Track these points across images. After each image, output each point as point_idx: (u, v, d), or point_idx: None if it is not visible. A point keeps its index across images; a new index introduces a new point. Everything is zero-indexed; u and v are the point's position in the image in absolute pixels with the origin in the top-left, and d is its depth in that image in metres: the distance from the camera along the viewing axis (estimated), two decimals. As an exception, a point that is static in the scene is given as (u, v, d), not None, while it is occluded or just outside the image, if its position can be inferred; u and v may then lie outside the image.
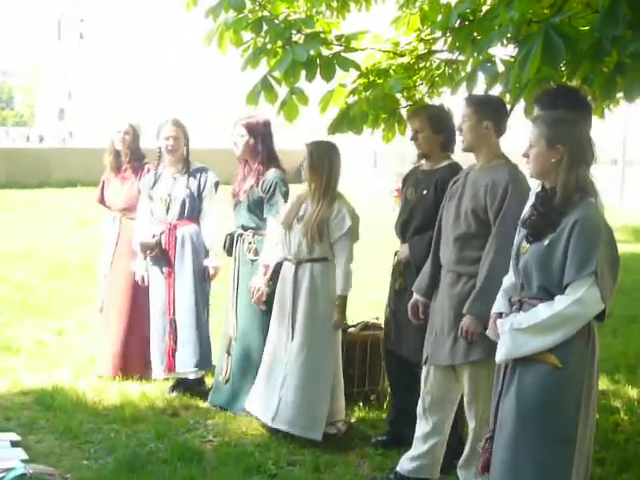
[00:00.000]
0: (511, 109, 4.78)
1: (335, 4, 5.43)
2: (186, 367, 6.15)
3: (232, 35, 4.72)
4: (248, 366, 5.76)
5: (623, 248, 3.70)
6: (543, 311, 3.44)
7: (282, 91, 4.69)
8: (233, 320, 5.83)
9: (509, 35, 3.72)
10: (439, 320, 4.53)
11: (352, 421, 5.59)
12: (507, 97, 4.73)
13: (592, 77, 3.91)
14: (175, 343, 6.14)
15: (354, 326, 6.09)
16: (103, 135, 6.76)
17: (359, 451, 5.24)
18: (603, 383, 6.34)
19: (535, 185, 3.99)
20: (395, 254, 5.28)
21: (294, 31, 4.66)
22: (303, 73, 4.58)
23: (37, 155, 26.53)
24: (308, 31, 4.70)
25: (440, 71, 5.50)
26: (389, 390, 5.68)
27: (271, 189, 5.70)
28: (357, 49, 5.12)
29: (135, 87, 67.58)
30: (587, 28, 3.79)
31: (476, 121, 4.37)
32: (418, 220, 5.07)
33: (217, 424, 5.62)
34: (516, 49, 4.08)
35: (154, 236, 6.18)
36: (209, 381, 6.24)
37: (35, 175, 24.21)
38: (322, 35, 4.73)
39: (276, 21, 4.75)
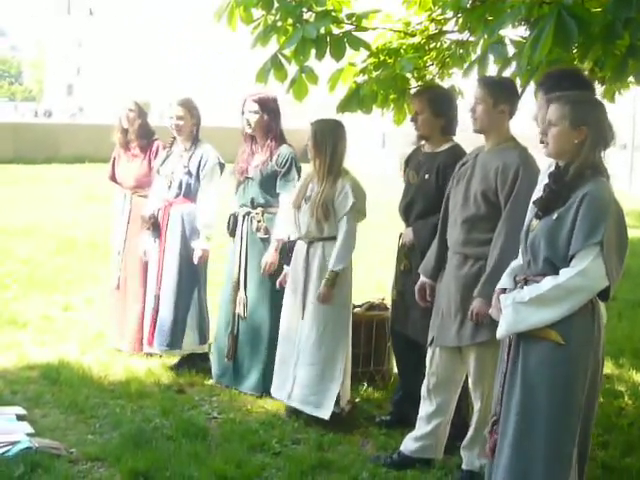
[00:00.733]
0: (522, 91, 4.75)
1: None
2: (158, 345, 6.21)
3: (242, 12, 4.69)
4: (258, 345, 5.79)
5: (631, 233, 3.67)
6: (546, 283, 3.43)
7: (292, 70, 4.67)
8: (243, 299, 5.82)
9: (521, 16, 3.69)
10: (445, 301, 4.53)
11: (356, 401, 5.60)
12: (517, 79, 4.70)
13: (604, 60, 3.89)
14: (156, 320, 6.20)
15: (360, 306, 6.10)
16: (112, 111, 6.75)
17: (363, 430, 5.26)
18: (608, 367, 6.33)
19: (545, 167, 3.98)
20: (400, 236, 5.28)
21: (305, 9, 4.63)
22: (313, 52, 4.55)
23: (45, 130, 26.46)
24: (319, 9, 4.67)
25: (451, 52, 5.47)
26: (396, 371, 5.69)
27: (287, 164, 5.70)
28: (368, 28, 5.08)
29: (144, 63, 67.45)
30: (599, 10, 3.76)
31: (492, 104, 4.34)
32: (420, 205, 5.07)
33: (222, 401, 5.65)
34: (527, 30, 4.05)
35: (153, 211, 6.24)
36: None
37: (43, 150, 24.16)
38: (333, 13, 4.69)
39: (287, -1, 4.72)
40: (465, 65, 4.92)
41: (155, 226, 6.23)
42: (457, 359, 4.56)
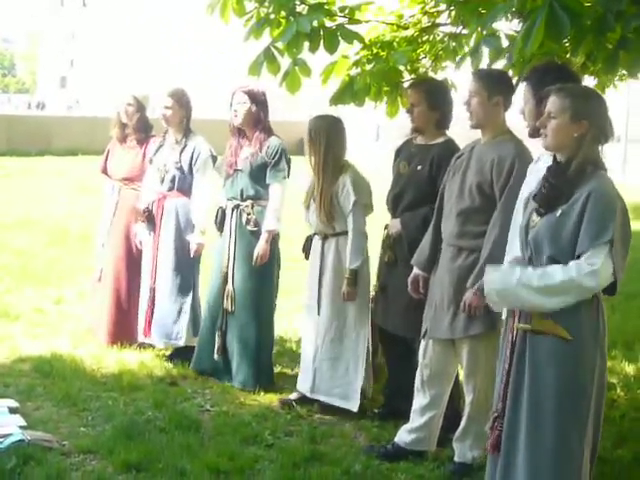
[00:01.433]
0: (516, 84, 4.75)
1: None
2: (157, 337, 6.22)
3: (235, 4, 4.67)
4: (247, 339, 5.77)
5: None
6: (557, 274, 3.37)
7: (285, 62, 4.65)
8: (230, 293, 5.81)
9: (514, 9, 3.69)
10: (439, 294, 4.54)
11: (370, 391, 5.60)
12: (510, 72, 4.70)
13: (595, 52, 3.89)
14: (152, 311, 6.21)
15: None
16: (106, 103, 6.75)
17: (355, 423, 5.27)
18: (600, 359, 6.35)
19: (535, 159, 3.98)
20: (385, 227, 5.27)
21: (298, 2, 4.62)
22: (306, 44, 4.54)
23: (38, 123, 26.41)
24: (312, 2, 4.66)
25: (444, 45, 5.46)
26: (385, 364, 5.70)
27: (277, 155, 5.68)
28: (361, 21, 5.08)
29: (137, 56, 67.29)
30: (590, 4, 3.76)
31: (486, 97, 4.35)
32: (410, 195, 5.05)
33: (215, 394, 5.66)
34: (520, 23, 4.05)
35: (148, 204, 6.23)
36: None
37: (36, 143, 24.12)
38: (326, 6, 4.68)
39: (280, -9, 4.70)
40: (458, 58, 4.91)
41: (150, 219, 6.23)
42: (450, 352, 4.56)
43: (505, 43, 4.19)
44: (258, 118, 5.73)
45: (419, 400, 4.68)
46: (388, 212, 5.26)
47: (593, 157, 3.41)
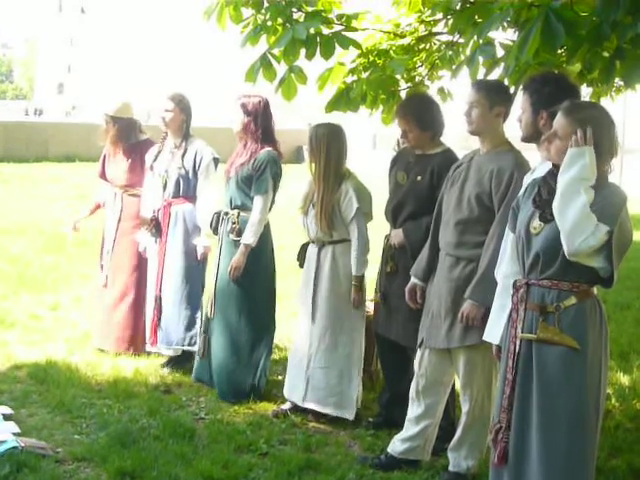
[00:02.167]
0: (513, 94, 4.76)
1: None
2: (167, 344, 6.21)
3: (232, 11, 4.68)
4: (227, 345, 5.74)
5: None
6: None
7: (281, 69, 4.66)
8: (212, 299, 5.80)
9: (509, 19, 3.70)
10: (436, 303, 4.53)
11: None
12: (506, 81, 4.70)
13: (591, 62, 3.90)
14: (159, 319, 6.19)
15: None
16: (101, 111, 6.74)
17: (350, 431, 5.26)
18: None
19: (531, 170, 3.99)
20: (385, 238, 5.27)
21: (295, 9, 4.63)
22: (303, 51, 4.55)
23: (36, 129, 26.40)
24: (309, 9, 4.67)
25: (441, 53, 5.47)
26: (382, 373, 5.70)
27: (261, 168, 5.64)
28: (358, 29, 5.09)
29: (135, 62, 67.33)
30: (586, 14, 3.77)
31: (488, 107, 4.35)
32: (412, 206, 5.04)
33: (209, 401, 5.65)
34: (516, 33, 4.06)
35: (153, 211, 6.22)
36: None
37: (33, 149, 24.11)
38: (323, 14, 4.69)
39: (277, -2, 4.71)
40: (454, 67, 4.91)
41: (157, 227, 6.21)
42: (446, 361, 4.56)
43: (500, 52, 4.20)
44: (249, 129, 5.71)
45: (414, 409, 4.67)
46: (388, 223, 5.26)
47: (599, 173, 3.40)
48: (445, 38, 5.41)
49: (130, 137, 6.54)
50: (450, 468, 4.59)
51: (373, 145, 30.62)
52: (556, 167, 3.49)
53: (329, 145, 5.28)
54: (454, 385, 4.80)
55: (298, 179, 5.63)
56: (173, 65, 64.34)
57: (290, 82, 4.58)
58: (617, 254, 3.38)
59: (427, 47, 5.62)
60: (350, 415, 5.31)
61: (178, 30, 63.01)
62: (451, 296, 4.44)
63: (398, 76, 5.36)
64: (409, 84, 5.67)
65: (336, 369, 5.35)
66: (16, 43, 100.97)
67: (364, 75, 5.27)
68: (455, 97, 5.76)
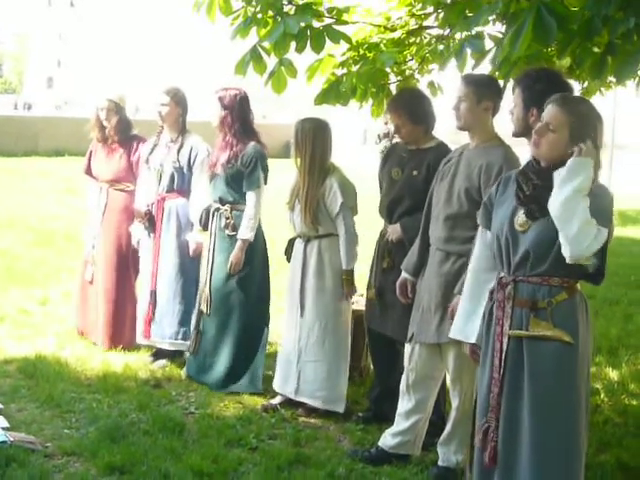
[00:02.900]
0: (503, 88, 4.75)
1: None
2: (161, 337, 6.20)
3: (222, 3, 4.65)
4: (221, 341, 5.76)
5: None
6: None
7: (270, 62, 4.64)
8: (207, 295, 5.80)
9: (498, 11, 3.69)
10: (426, 298, 4.53)
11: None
12: (496, 74, 4.70)
13: (582, 57, 3.89)
14: (153, 313, 6.18)
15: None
16: (91, 105, 6.71)
17: (340, 426, 5.26)
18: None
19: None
20: (380, 234, 5.26)
21: (285, 1, 4.60)
22: (293, 44, 4.53)
23: (25, 123, 26.29)
24: (299, 2, 4.65)
25: (431, 47, 5.47)
26: (372, 368, 5.69)
27: (252, 164, 5.65)
28: (348, 22, 5.07)
29: (125, 56, 67.10)
30: (577, 8, 3.76)
31: (475, 101, 4.35)
32: (408, 201, 5.03)
33: (199, 396, 5.64)
34: (504, 26, 4.05)
35: (147, 205, 6.21)
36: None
37: (22, 143, 24.01)
38: (314, 7, 4.67)
39: (267, -10, 4.68)
40: (443, 59, 4.90)
41: (150, 221, 6.20)
42: (436, 356, 4.56)
43: (489, 44, 4.18)
44: (226, 122, 5.69)
45: (404, 404, 4.67)
46: (382, 219, 5.25)
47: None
48: (436, 32, 5.40)
49: (127, 130, 6.52)
50: (439, 463, 4.60)
51: (363, 140, 30.60)
52: (537, 161, 3.47)
53: (314, 140, 5.28)
54: (445, 380, 4.80)
55: (287, 173, 5.61)
56: (164, 59, 64.14)
57: (280, 75, 4.56)
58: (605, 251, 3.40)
59: (417, 41, 5.60)
60: (340, 408, 5.32)
61: (169, 24, 62.83)
62: (441, 291, 4.44)
63: (388, 69, 5.35)
64: (399, 78, 5.67)
65: (325, 363, 5.36)
66: (5, 37, 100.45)
67: (354, 68, 5.26)
68: (445, 91, 5.75)
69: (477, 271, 3.73)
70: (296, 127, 5.35)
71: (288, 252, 5.59)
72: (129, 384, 5.74)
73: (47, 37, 78.64)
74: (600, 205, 3.34)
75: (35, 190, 16.07)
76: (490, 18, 3.95)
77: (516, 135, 4.03)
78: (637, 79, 6.63)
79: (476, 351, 3.71)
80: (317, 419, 5.31)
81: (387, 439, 4.73)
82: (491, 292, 3.60)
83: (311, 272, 5.37)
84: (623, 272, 10.53)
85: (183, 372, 5.99)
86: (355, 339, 5.93)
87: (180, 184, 6.16)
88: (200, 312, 5.85)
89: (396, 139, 5.29)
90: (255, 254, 5.75)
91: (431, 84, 5.84)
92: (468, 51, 3.92)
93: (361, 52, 5.30)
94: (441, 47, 5.18)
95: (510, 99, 4.07)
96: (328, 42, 4.59)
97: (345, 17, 4.95)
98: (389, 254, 5.15)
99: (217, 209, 5.79)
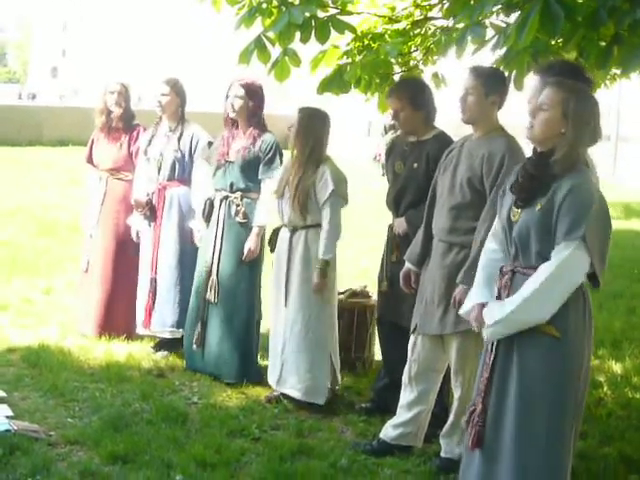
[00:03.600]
0: (508, 79, 4.74)
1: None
2: (162, 326, 6.20)
3: (227, -7, 4.66)
4: (229, 331, 5.75)
5: (614, 224, 3.65)
6: (526, 288, 3.38)
7: (274, 51, 4.63)
8: (214, 284, 5.79)
9: (502, 2, 3.68)
10: (429, 289, 4.53)
11: (336, 388, 5.59)
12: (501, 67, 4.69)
13: (587, 48, 3.88)
14: (154, 302, 6.19)
15: (342, 293, 6.09)
16: (95, 94, 6.71)
17: (343, 417, 5.26)
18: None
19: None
20: (389, 227, 5.26)
21: (290, -9, 4.60)
22: (297, 35, 4.52)
23: (29, 113, 26.26)
24: (304, -8, 4.64)
25: (435, 38, 5.45)
26: (377, 358, 5.68)
27: (271, 151, 5.68)
28: (353, 13, 5.07)
29: (130, 46, 67.02)
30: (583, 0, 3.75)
31: (484, 94, 4.34)
32: (411, 194, 5.04)
33: (202, 386, 5.64)
34: (507, 17, 4.04)
35: (148, 195, 6.20)
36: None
37: (26, 133, 24.00)
38: (319, -3, 4.67)
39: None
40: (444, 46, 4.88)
41: (151, 210, 6.20)
42: (439, 348, 4.56)
43: (491, 33, 4.16)
44: (253, 112, 5.72)
45: (406, 395, 4.67)
46: (390, 212, 5.26)
47: (576, 154, 3.38)
48: (440, 23, 5.39)
49: (131, 119, 6.53)
50: (442, 454, 4.60)
51: (367, 132, 30.58)
52: (535, 151, 3.47)
53: (321, 129, 5.30)
54: (448, 372, 4.80)
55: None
56: (168, 49, 64.06)
57: (284, 65, 4.55)
58: (599, 255, 3.38)
59: (422, 32, 5.60)
60: (321, 400, 5.27)
61: (173, 13, 62.74)
62: (444, 282, 4.44)
63: (392, 60, 5.34)
64: (403, 69, 5.66)
65: (307, 354, 5.31)
66: (10, 26, 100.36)
67: (358, 58, 5.25)
68: (449, 84, 5.74)
69: (491, 250, 3.72)
70: (301, 115, 5.35)
71: (272, 242, 5.57)
72: (132, 373, 5.74)
73: (52, 27, 78.57)
74: (572, 212, 3.32)
75: (39, 180, 16.07)
76: (494, 9, 3.93)
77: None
78: (642, 71, 6.61)
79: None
80: (319, 411, 5.30)
81: (389, 430, 4.73)
82: None
83: (297, 262, 5.33)
84: (628, 264, 10.52)
85: (186, 365, 5.97)
86: (359, 330, 5.95)
87: (181, 172, 6.16)
88: (205, 302, 5.83)
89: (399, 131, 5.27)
90: (262, 241, 5.76)
91: (435, 75, 5.83)
92: (469, 38, 3.89)
93: (365, 42, 5.29)
94: (445, 38, 5.16)
95: (511, 90, 4.05)
96: (333, 32, 4.58)
97: (350, 8, 4.94)
98: (397, 247, 5.15)
99: (225, 197, 5.77)
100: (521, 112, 3.94)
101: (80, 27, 74.37)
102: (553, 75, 3.88)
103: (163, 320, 6.18)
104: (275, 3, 4.54)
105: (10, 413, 4.85)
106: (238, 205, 5.72)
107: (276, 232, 5.54)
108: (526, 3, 3.36)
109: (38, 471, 4.19)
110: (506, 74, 4.55)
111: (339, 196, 5.28)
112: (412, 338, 4.64)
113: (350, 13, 4.98)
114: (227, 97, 5.74)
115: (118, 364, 5.88)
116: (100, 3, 70.51)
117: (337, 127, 5.47)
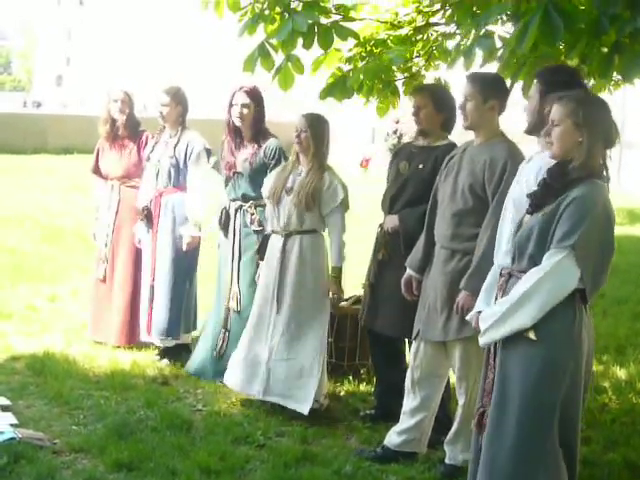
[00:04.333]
0: (510, 87, 4.75)
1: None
2: (156, 334, 6.21)
3: (230, 0, 4.67)
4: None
5: (618, 230, 3.64)
6: (513, 293, 3.42)
7: (277, 58, 4.64)
8: (236, 293, 5.79)
9: (508, 10, 3.68)
10: (432, 296, 4.53)
11: (341, 394, 5.59)
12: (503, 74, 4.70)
13: (589, 56, 3.89)
14: (152, 309, 6.21)
15: (346, 300, 6.09)
16: (99, 102, 6.74)
17: (347, 424, 5.26)
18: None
19: (527, 159, 3.97)
20: (379, 226, 5.25)
21: (292, -2, 4.61)
22: (300, 41, 4.53)
23: (34, 121, 26.33)
24: (307, -1, 4.66)
25: (438, 44, 5.47)
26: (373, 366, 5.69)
27: (276, 156, 5.70)
28: (355, 19, 5.08)
29: (134, 55, 67.17)
30: (585, 7, 3.76)
31: (481, 100, 4.35)
32: (409, 192, 5.05)
33: (206, 393, 5.65)
34: (512, 26, 4.05)
35: (148, 202, 6.23)
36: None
37: (31, 141, 24.05)
38: (321, 3, 4.68)
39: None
40: (450, 58, 4.90)
41: (148, 217, 6.22)
42: (442, 354, 4.56)
43: (499, 45, 4.18)
44: (258, 119, 5.74)
45: (409, 402, 4.67)
46: (382, 211, 5.26)
47: (592, 163, 3.40)
48: (442, 29, 5.40)
49: (136, 126, 6.55)
50: (446, 461, 4.60)
51: (372, 139, 30.58)
52: (557, 163, 3.48)
53: (324, 135, 5.31)
54: (450, 377, 4.80)
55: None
56: (172, 57, 64.19)
57: (287, 72, 4.56)
58: (591, 273, 3.37)
59: (424, 38, 5.60)
60: (305, 409, 5.19)
61: (177, 21, 62.87)
62: (447, 289, 4.44)
63: (394, 67, 5.35)
64: (405, 75, 5.67)
65: (298, 362, 5.28)
66: (14, 34, 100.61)
67: (361, 64, 5.26)
68: (452, 89, 5.74)
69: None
70: (312, 118, 5.31)
71: (262, 249, 5.55)
72: (137, 381, 5.75)
73: (56, 35, 78.75)
74: (570, 224, 3.33)
75: (43, 187, 16.10)
76: (499, 17, 3.94)
77: (529, 131, 3.98)
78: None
79: None
80: (324, 418, 5.29)
81: (392, 437, 4.73)
82: None
83: (291, 269, 5.29)
84: (633, 270, 10.51)
85: (190, 371, 5.96)
86: (363, 337, 5.94)
87: (177, 179, 6.19)
88: (228, 311, 5.82)
89: (405, 138, 5.28)
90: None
91: (437, 80, 5.83)
92: (478, 52, 3.91)
93: (368, 48, 5.30)
94: (450, 42, 5.17)
95: (520, 99, 4.06)
96: (335, 38, 4.59)
97: (352, 14, 4.95)
98: (385, 246, 5.15)
99: (240, 207, 5.79)
100: (521, 120, 3.96)
101: (84, 35, 74.51)
102: (546, 77, 3.90)
103: (158, 328, 6.19)
104: (278, 10, 4.56)
105: (15, 421, 4.85)
106: (252, 214, 5.75)
107: (266, 239, 5.53)
108: (527, 12, 3.37)
109: (43, 479, 4.19)
110: (508, 82, 4.56)
111: (346, 204, 5.30)
112: (414, 344, 4.64)
113: (353, 19, 5.00)
114: (230, 105, 5.74)
115: (123, 372, 5.89)
116: (104, 12, 70.68)
117: (341, 134, 5.47)
